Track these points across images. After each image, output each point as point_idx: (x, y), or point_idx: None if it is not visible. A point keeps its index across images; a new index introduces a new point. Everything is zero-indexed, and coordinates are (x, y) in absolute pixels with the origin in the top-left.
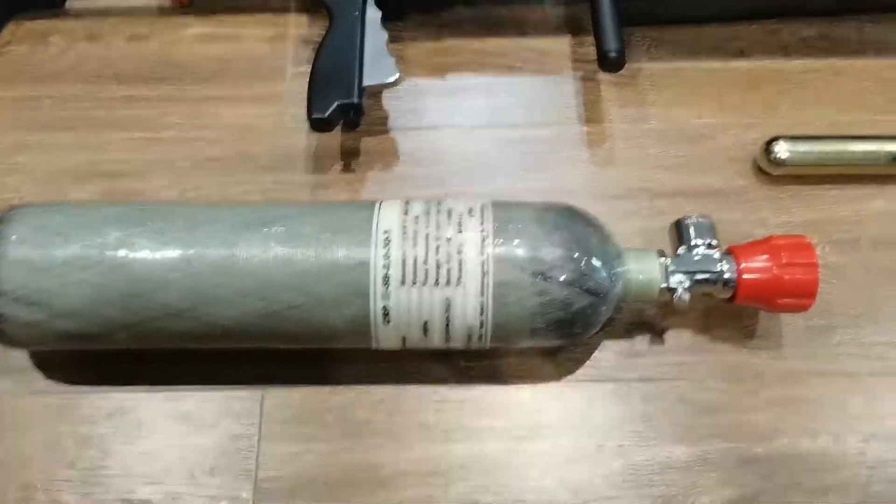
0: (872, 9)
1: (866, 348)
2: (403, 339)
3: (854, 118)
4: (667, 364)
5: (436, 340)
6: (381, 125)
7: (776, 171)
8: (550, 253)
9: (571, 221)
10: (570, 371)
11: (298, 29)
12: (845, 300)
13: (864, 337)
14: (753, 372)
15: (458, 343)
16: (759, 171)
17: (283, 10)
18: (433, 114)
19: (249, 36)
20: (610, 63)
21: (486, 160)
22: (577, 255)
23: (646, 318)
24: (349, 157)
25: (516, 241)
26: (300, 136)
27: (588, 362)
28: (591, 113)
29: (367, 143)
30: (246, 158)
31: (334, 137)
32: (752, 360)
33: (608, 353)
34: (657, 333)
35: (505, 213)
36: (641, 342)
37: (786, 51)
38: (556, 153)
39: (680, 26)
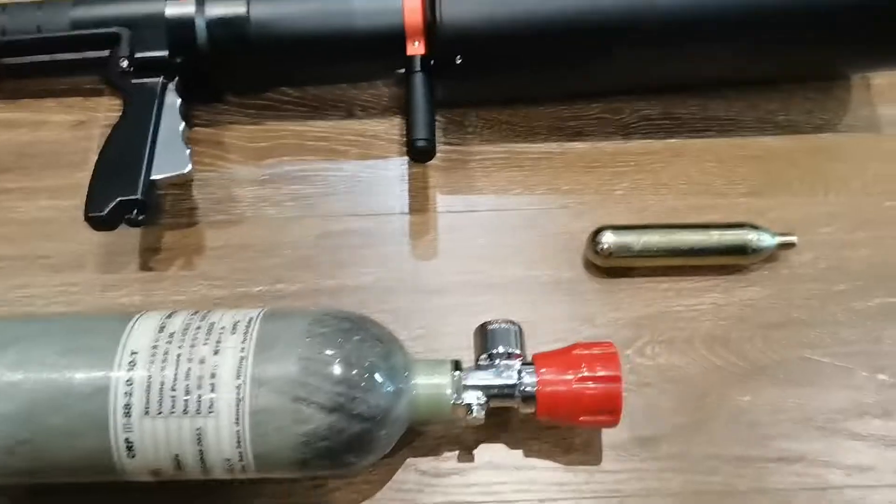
0: (720, 82)
1: (695, 462)
2: (156, 472)
3: (694, 202)
4: (476, 485)
5: (192, 473)
6: (188, 217)
7: (604, 263)
8: (317, 373)
9: (349, 333)
10: (368, 495)
11: (109, 112)
12: (675, 407)
13: (694, 448)
14: (570, 492)
15: (219, 474)
16: (590, 262)
17: (95, 92)
18: (246, 204)
19: (54, 122)
20: (417, 153)
21: (298, 255)
22: (351, 373)
23: (455, 431)
24: (148, 254)
25: (279, 362)
26: (95, 232)
27: (389, 484)
28: (417, 201)
29: (169, 237)
30: (36, 258)
31: (133, 232)
32: (568, 479)
33: (412, 473)
34: (467, 449)
35: (272, 328)
36: (449, 459)
37: (626, 130)
38: (376, 246)
39: (515, 106)
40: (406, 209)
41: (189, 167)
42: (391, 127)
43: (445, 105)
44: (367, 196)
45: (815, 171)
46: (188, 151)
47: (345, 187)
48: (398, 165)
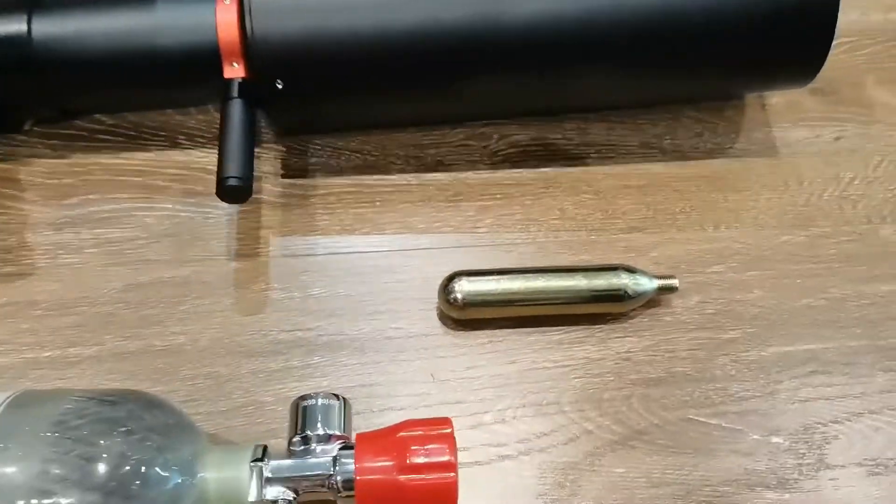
0: (595, 108)
1: None
2: None
3: (568, 239)
4: None
5: None
6: None
7: (459, 315)
8: (61, 479)
9: (112, 425)
10: None
11: None
12: (538, 483)
13: None
14: None
15: None
16: (445, 313)
17: None
18: (40, 252)
19: None
20: (226, 192)
21: (98, 312)
22: (110, 475)
23: None
24: None
25: (12, 457)
26: None
27: None
28: (246, 244)
29: None
30: None
31: None
32: None
33: None
34: None
35: (15, 416)
36: None
37: (492, 159)
38: (192, 299)
39: (368, 132)
40: (232, 254)
41: None
42: None
43: (285, 133)
44: (188, 240)
45: (704, 202)
46: None
47: (161, 230)
48: (226, 203)
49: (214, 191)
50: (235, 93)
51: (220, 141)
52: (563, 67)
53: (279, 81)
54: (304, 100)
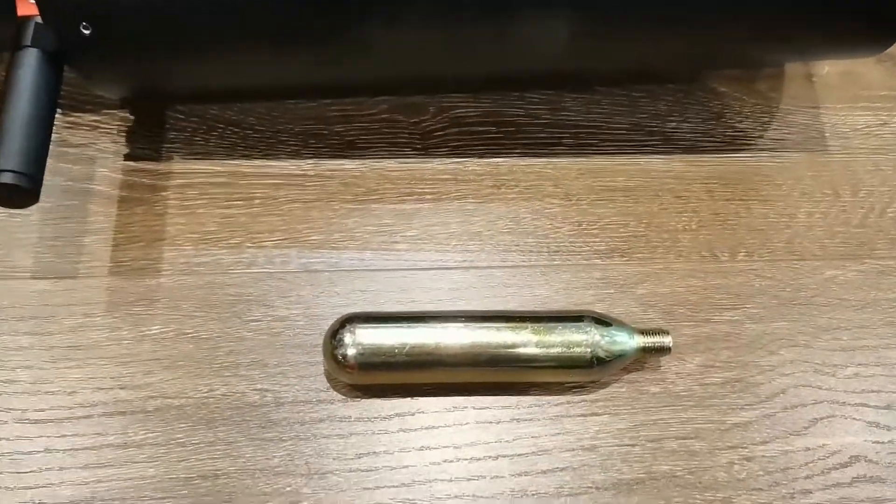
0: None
1: None
2: None
3: (519, 261)
4: None
5: None
6: None
7: (351, 378)
8: None
9: None
10: None
11: None
12: None
13: None
14: None
15: None
16: (332, 375)
17: None
18: None
19: None
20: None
21: None
22: None
23: None
24: None
25: None
26: None
27: None
28: (63, 257)
29: None
30: None
31: None
32: None
33: None
34: None
35: None
36: None
37: (426, 142)
38: None
39: (248, 98)
40: (42, 270)
41: None
42: None
43: (132, 99)
44: None
45: (717, 215)
46: None
47: None
48: None
49: None
50: (28, 39)
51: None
52: (523, 6)
53: (84, 24)
54: (127, 53)
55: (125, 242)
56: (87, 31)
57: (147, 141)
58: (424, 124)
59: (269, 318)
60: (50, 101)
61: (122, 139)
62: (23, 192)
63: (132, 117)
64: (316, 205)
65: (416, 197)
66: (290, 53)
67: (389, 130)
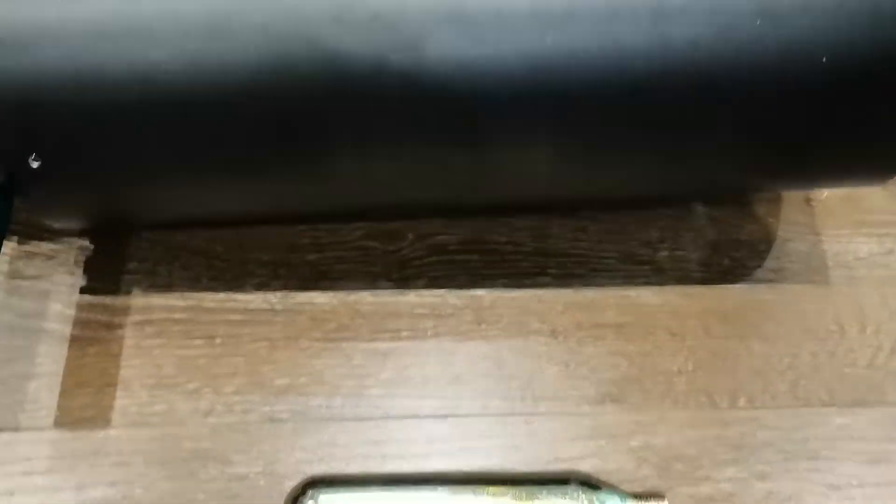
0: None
1: None
2: None
3: (502, 409)
4: None
5: None
6: None
7: None
8: None
9: None
10: None
11: None
12: None
13: None
14: None
15: None
16: None
17: None
18: None
19: None
20: None
21: None
22: None
23: None
24: None
25: None
26: None
27: None
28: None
29: None
30: None
31: None
32: None
33: None
34: None
35: None
36: None
37: (404, 270)
38: None
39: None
40: None
41: None
42: None
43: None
44: None
45: (715, 355)
46: None
47: None
48: None
49: None
50: None
51: None
52: (500, 133)
53: (34, 156)
54: (80, 185)
55: (74, 387)
56: (35, 164)
57: (106, 272)
58: (402, 252)
59: (227, 478)
60: None
61: (79, 270)
62: None
63: (91, 246)
64: (282, 344)
65: (390, 334)
66: (255, 183)
67: (364, 258)
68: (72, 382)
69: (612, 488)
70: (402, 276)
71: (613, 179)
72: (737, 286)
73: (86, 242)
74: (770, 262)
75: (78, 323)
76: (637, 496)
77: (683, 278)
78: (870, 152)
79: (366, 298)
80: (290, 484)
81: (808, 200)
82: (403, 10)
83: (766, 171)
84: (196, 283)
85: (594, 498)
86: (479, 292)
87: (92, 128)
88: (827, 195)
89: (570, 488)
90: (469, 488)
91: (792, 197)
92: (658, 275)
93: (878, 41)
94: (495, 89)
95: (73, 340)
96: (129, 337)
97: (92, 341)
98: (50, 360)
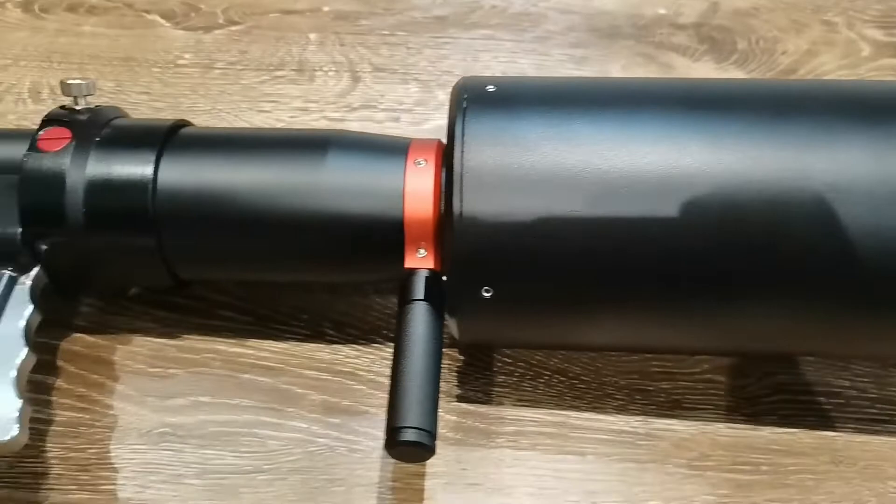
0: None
1: None
2: None
3: None
4: None
5: None
6: None
7: None
8: None
9: None
10: None
11: None
12: None
13: None
14: None
15: None
16: None
17: None
18: (123, 476)
19: None
20: (399, 447)
21: None
22: None
23: None
24: None
25: None
26: None
27: None
28: (401, 497)
29: None
30: None
31: None
32: None
33: None
34: None
35: None
36: None
37: (753, 407)
38: None
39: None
40: None
41: (14, 433)
42: (374, 361)
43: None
44: (322, 483)
45: None
46: (20, 405)
47: (289, 462)
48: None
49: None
50: (420, 293)
51: (395, 369)
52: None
53: (487, 287)
54: (518, 316)
55: (460, 489)
56: (487, 294)
57: (477, 383)
58: (749, 389)
59: None
60: (437, 353)
61: (455, 379)
62: (424, 449)
63: (460, 358)
64: (649, 466)
65: (749, 467)
66: (656, 322)
67: (712, 391)
68: (450, 476)
69: None
70: (753, 412)
71: None
72: None
73: (455, 354)
74: None
75: (458, 428)
76: None
77: None
78: None
79: (722, 431)
80: None
81: None
82: None
83: None
84: (559, 400)
85: None
86: (830, 434)
87: (547, 269)
88: None
89: None
90: None
91: None
92: None
93: None
94: None
95: (458, 444)
96: (507, 447)
97: (475, 445)
98: (441, 461)
